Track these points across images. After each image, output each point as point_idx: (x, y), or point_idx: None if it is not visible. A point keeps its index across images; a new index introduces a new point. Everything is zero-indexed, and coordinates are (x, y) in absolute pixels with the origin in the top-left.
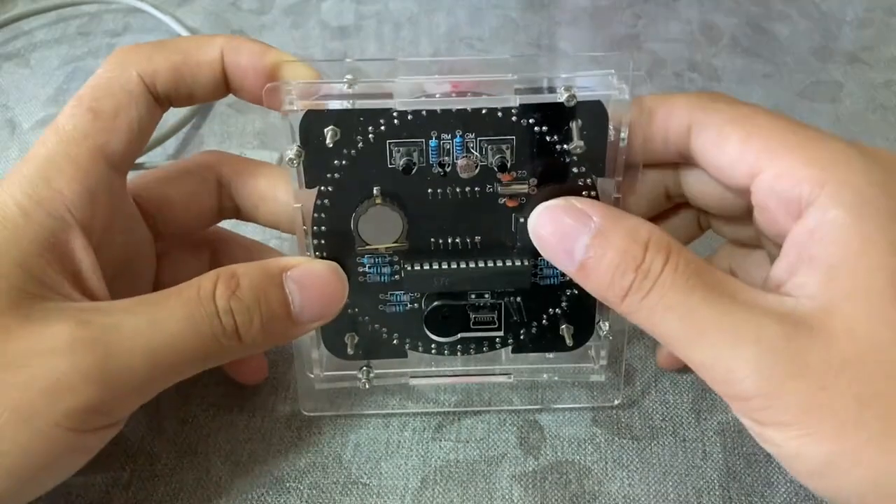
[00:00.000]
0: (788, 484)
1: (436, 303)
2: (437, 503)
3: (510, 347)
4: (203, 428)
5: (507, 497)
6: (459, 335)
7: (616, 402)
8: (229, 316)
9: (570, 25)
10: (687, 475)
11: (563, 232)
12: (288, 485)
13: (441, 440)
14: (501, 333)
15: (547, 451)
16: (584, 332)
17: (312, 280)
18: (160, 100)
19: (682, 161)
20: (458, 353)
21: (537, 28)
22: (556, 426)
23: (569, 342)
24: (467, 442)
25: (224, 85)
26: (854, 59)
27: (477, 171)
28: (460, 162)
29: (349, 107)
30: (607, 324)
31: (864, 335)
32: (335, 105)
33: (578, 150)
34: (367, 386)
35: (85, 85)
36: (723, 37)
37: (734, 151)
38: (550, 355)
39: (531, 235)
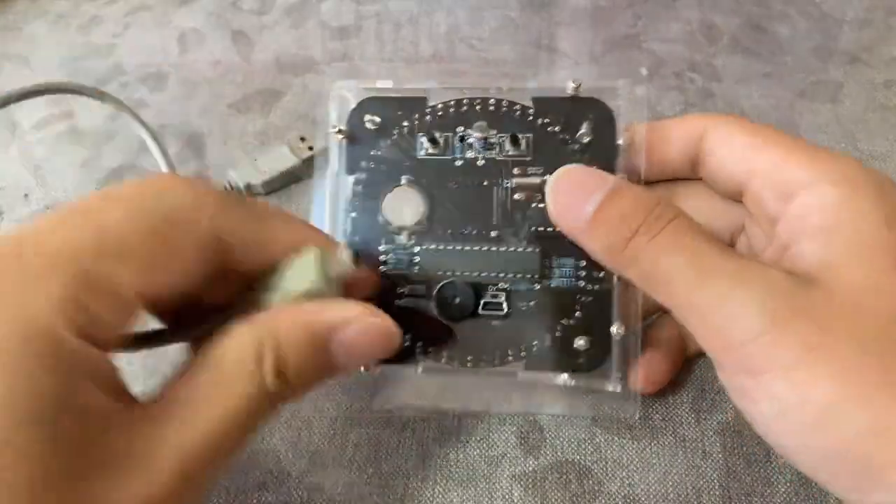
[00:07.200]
0: (788, 484)
1: (447, 281)
2: (437, 503)
3: (524, 363)
4: None
5: (507, 497)
6: (468, 319)
7: (636, 417)
8: (279, 395)
9: (570, 25)
10: (687, 475)
11: (581, 184)
12: (288, 485)
13: (441, 440)
14: (510, 320)
15: (547, 451)
16: (599, 348)
17: (362, 346)
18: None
19: (689, 173)
20: (469, 365)
21: (537, 28)
22: (556, 426)
23: (584, 360)
24: (467, 442)
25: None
26: (854, 59)
27: (490, 134)
28: (477, 124)
29: (393, 95)
30: (619, 326)
31: (864, 285)
32: (380, 92)
33: (585, 139)
34: (371, 376)
35: (147, 197)
36: (723, 37)
37: (740, 147)
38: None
39: (547, 188)
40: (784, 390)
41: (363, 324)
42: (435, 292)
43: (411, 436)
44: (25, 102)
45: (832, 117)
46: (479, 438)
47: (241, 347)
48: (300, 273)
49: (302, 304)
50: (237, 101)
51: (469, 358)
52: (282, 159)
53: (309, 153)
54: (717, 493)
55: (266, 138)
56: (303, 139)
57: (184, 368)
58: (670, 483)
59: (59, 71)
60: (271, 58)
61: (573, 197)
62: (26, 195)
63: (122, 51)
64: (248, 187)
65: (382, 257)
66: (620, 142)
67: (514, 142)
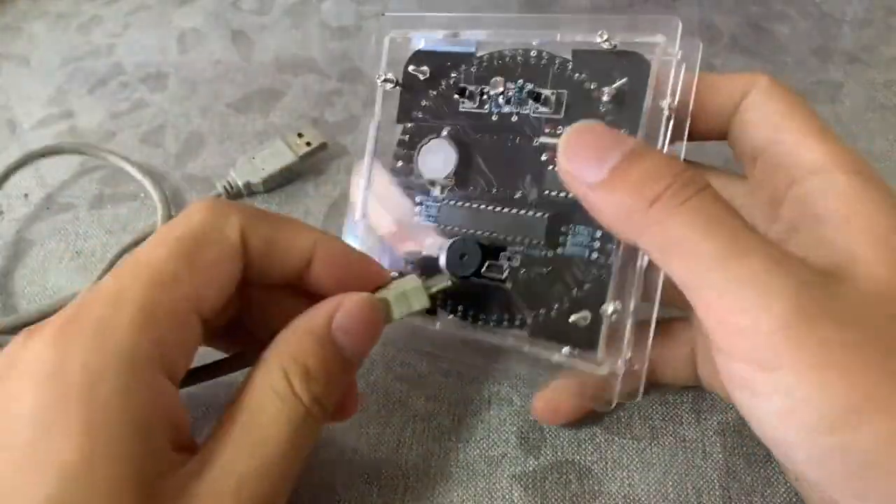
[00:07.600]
0: (788, 484)
1: (458, 238)
2: (437, 503)
3: (528, 330)
4: (204, 429)
5: (507, 497)
6: (473, 279)
7: (638, 398)
8: (316, 404)
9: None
10: (687, 475)
11: (598, 141)
12: None
13: (441, 440)
14: (512, 285)
15: (547, 451)
16: (599, 326)
17: (355, 324)
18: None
19: (719, 134)
20: (479, 324)
21: None
22: (555, 426)
23: (583, 336)
24: (467, 442)
25: (299, 275)
26: (854, 59)
27: (509, 88)
28: (493, 79)
29: (445, 48)
30: (614, 304)
31: (887, 280)
32: (432, 44)
33: (606, 97)
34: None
35: (177, 225)
36: (723, 37)
37: (768, 115)
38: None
39: (559, 144)
40: (799, 387)
41: (348, 303)
42: (447, 247)
43: (411, 436)
44: (25, 102)
45: (832, 117)
46: (479, 438)
47: (271, 379)
48: (406, 296)
49: (298, 316)
50: (237, 101)
51: (474, 316)
52: (280, 157)
53: (307, 149)
54: (717, 493)
55: (266, 138)
56: (300, 135)
57: (227, 410)
58: (670, 483)
59: (59, 70)
60: (271, 58)
61: (586, 155)
62: (26, 195)
63: (122, 50)
64: (248, 186)
65: (417, 208)
66: (649, 101)
67: (537, 99)
